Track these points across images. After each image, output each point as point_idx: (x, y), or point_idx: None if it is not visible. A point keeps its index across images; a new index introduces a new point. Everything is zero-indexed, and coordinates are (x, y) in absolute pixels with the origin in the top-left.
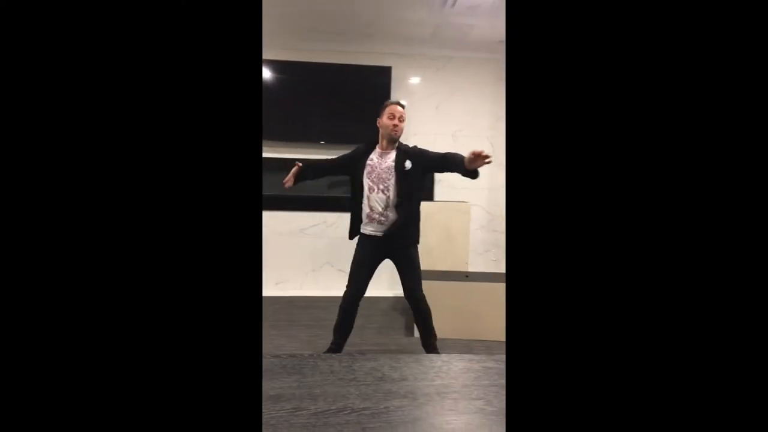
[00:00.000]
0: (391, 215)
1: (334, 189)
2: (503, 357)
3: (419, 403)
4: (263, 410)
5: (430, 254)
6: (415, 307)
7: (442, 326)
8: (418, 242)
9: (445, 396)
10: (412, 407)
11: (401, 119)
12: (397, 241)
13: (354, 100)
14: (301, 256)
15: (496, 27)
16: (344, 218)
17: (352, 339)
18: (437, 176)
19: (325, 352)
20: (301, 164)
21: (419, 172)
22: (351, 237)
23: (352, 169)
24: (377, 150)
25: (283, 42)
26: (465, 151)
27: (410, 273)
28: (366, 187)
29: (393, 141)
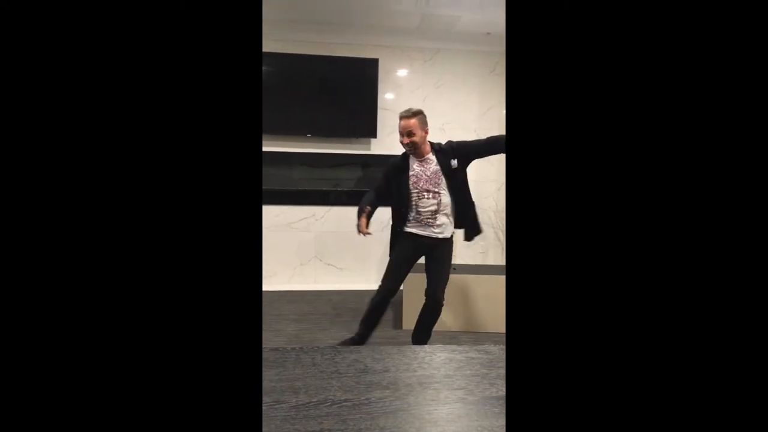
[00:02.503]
0: (443, 218)
1: (321, 183)
2: (486, 347)
3: (401, 393)
4: None
5: None
6: (430, 305)
7: None
8: (479, 232)
9: (427, 386)
10: (393, 398)
11: (409, 134)
12: (441, 240)
13: (341, 92)
14: (289, 250)
15: (483, 18)
16: (333, 212)
17: (340, 332)
18: None
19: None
20: (369, 208)
21: (464, 165)
22: (393, 247)
23: (394, 184)
24: (415, 160)
25: (267, 33)
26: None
27: (439, 273)
28: (414, 196)
29: (419, 152)
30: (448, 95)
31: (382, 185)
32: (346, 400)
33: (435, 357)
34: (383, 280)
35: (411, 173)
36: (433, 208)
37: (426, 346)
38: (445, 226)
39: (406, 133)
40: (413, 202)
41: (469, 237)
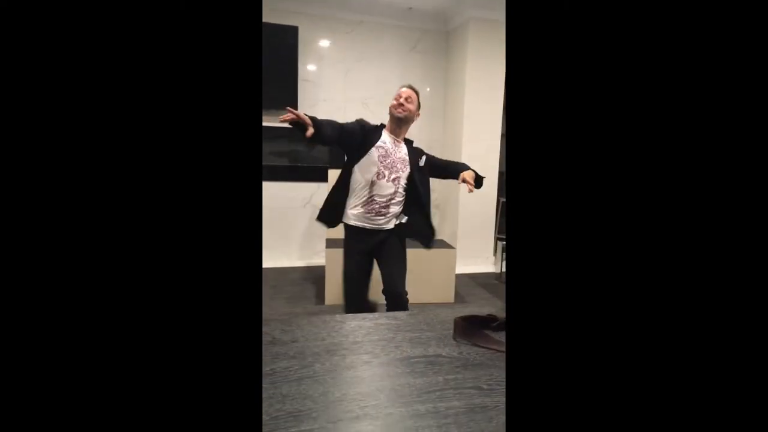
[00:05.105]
0: (394, 208)
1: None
2: (396, 314)
3: (307, 362)
4: None
5: None
6: (393, 303)
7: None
8: (429, 239)
9: (334, 353)
10: (299, 367)
11: (407, 100)
12: (388, 232)
13: None
14: None
15: None
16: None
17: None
18: None
19: None
20: (311, 126)
21: (427, 172)
22: (330, 223)
23: (364, 141)
24: (388, 135)
25: None
26: (376, 118)
27: (395, 264)
28: (375, 170)
29: (398, 123)
30: (370, 70)
31: (348, 126)
32: None
33: (345, 325)
34: (344, 293)
35: (381, 143)
36: (389, 193)
37: (337, 315)
38: (392, 217)
39: (405, 98)
40: (371, 179)
41: (429, 244)
